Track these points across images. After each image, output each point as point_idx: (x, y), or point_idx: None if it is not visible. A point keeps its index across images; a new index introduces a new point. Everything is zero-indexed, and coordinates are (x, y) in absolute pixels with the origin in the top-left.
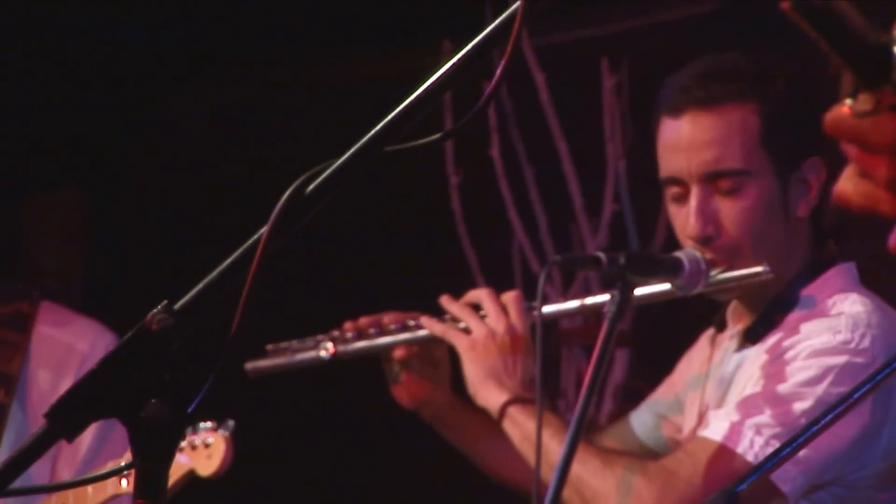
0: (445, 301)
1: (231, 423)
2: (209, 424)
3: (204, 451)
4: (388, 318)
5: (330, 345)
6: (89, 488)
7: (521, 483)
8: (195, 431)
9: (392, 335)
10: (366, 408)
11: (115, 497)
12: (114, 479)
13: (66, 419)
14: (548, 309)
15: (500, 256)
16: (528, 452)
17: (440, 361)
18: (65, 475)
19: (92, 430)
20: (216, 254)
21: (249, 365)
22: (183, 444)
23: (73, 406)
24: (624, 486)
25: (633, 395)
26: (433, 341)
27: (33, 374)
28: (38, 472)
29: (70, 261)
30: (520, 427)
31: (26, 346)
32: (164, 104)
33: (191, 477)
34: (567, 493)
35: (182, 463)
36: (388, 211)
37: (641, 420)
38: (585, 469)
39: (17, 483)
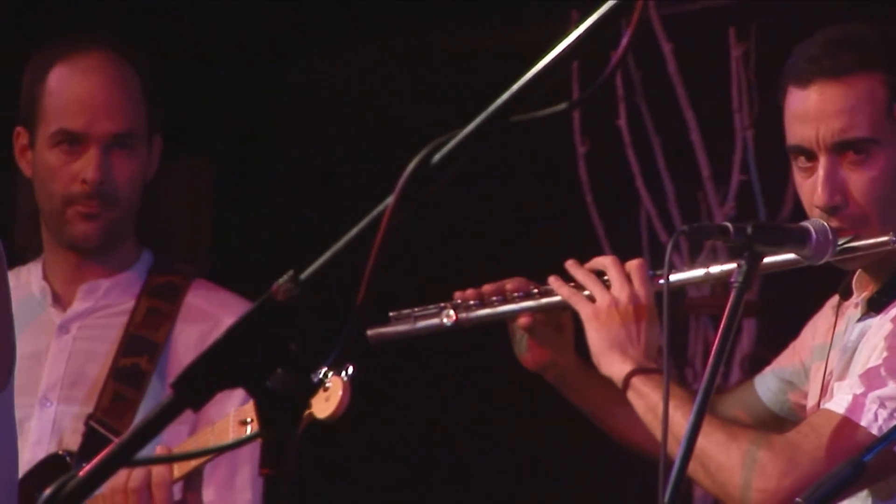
0: (571, 266)
1: (350, 367)
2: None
3: (322, 394)
4: (510, 285)
5: (452, 312)
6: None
7: (645, 448)
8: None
9: (515, 303)
10: (490, 369)
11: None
12: (237, 429)
13: (192, 389)
14: (674, 278)
15: (628, 226)
16: (651, 423)
17: (564, 326)
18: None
19: (238, 402)
20: (343, 223)
21: (371, 332)
22: None
23: (200, 376)
24: (749, 459)
25: (761, 364)
26: (556, 309)
27: (176, 342)
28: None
29: (198, 230)
30: (644, 398)
31: (174, 316)
32: (292, 74)
33: (309, 420)
34: (692, 465)
35: None
36: (515, 180)
37: (766, 386)
38: (710, 442)
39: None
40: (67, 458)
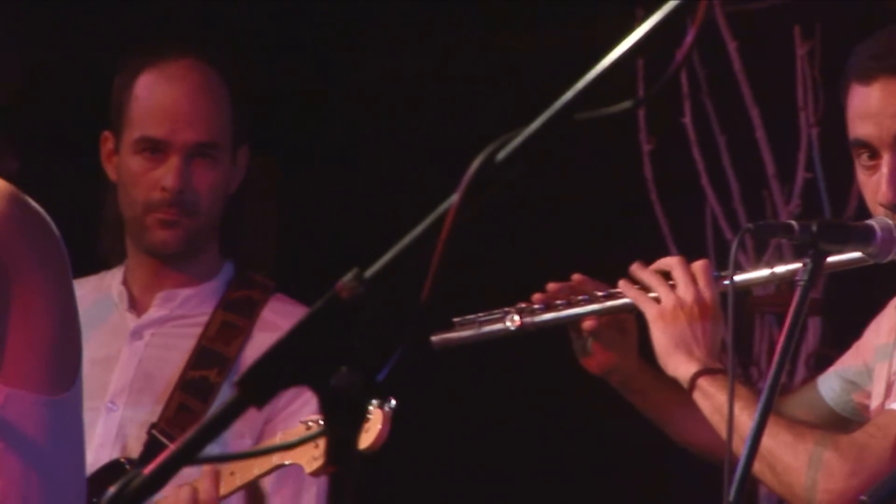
0: (636, 269)
1: (393, 401)
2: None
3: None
4: (576, 281)
5: (516, 316)
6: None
7: (708, 449)
8: None
9: (579, 306)
10: (553, 374)
11: (279, 468)
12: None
13: (256, 387)
14: (739, 278)
15: (693, 224)
16: (718, 424)
17: (628, 329)
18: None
19: (313, 403)
20: (408, 221)
21: (436, 337)
22: None
23: (264, 374)
24: (815, 460)
25: (826, 363)
26: (620, 311)
27: (247, 356)
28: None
29: (266, 227)
30: (710, 399)
31: (249, 331)
32: (358, 72)
33: None
34: (758, 466)
35: None
36: (580, 178)
37: (829, 386)
38: (776, 443)
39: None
40: (127, 466)
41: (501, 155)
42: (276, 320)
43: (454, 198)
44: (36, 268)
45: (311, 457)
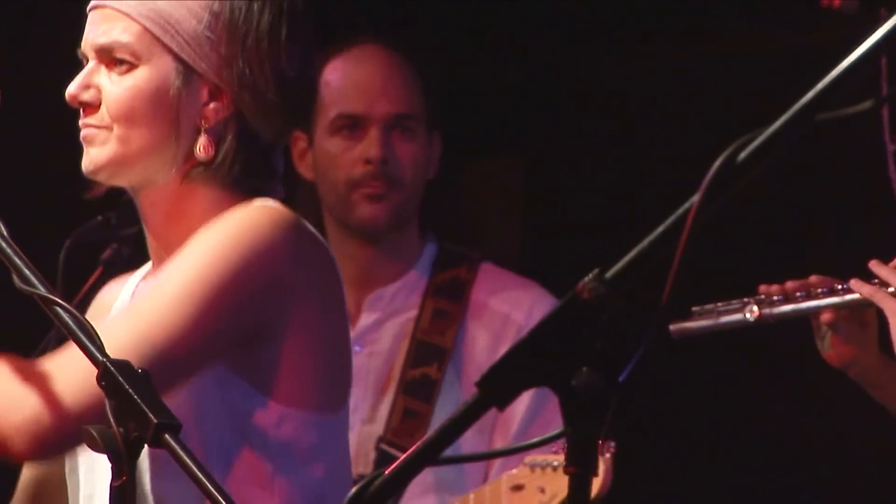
0: (874, 265)
1: (612, 444)
2: None
3: None
4: (814, 282)
5: (755, 307)
6: None
7: None
8: None
9: (819, 299)
10: (792, 366)
11: None
12: (508, 494)
13: (498, 387)
14: None
15: None
16: None
17: (868, 323)
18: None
19: (525, 401)
20: (649, 220)
21: (674, 327)
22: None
23: (505, 374)
24: None
25: None
26: (860, 305)
27: (469, 345)
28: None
29: (509, 227)
30: None
31: (461, 317)
32: (602, 73)
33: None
34: None
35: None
36: (823, 179)
37: None
38: None
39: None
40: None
41: (742, 155)
42: (490, 302)
43: (695, 198)
44: (315, 294)
45: None
